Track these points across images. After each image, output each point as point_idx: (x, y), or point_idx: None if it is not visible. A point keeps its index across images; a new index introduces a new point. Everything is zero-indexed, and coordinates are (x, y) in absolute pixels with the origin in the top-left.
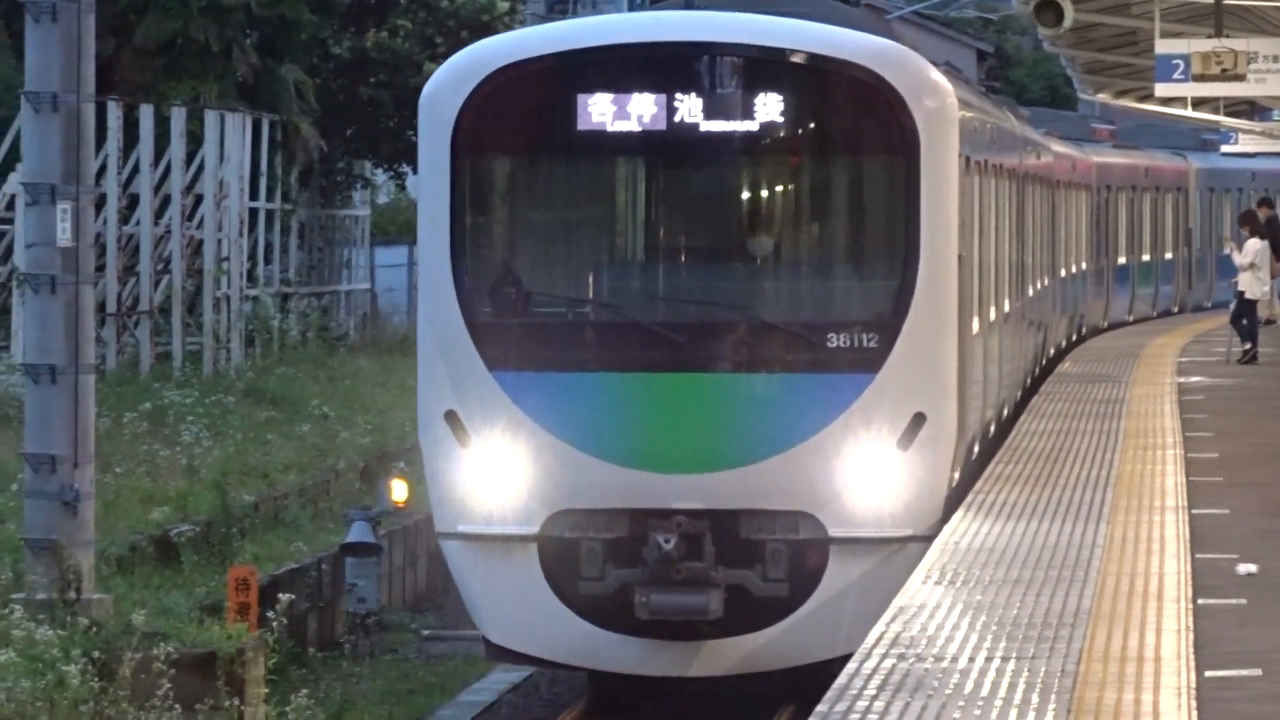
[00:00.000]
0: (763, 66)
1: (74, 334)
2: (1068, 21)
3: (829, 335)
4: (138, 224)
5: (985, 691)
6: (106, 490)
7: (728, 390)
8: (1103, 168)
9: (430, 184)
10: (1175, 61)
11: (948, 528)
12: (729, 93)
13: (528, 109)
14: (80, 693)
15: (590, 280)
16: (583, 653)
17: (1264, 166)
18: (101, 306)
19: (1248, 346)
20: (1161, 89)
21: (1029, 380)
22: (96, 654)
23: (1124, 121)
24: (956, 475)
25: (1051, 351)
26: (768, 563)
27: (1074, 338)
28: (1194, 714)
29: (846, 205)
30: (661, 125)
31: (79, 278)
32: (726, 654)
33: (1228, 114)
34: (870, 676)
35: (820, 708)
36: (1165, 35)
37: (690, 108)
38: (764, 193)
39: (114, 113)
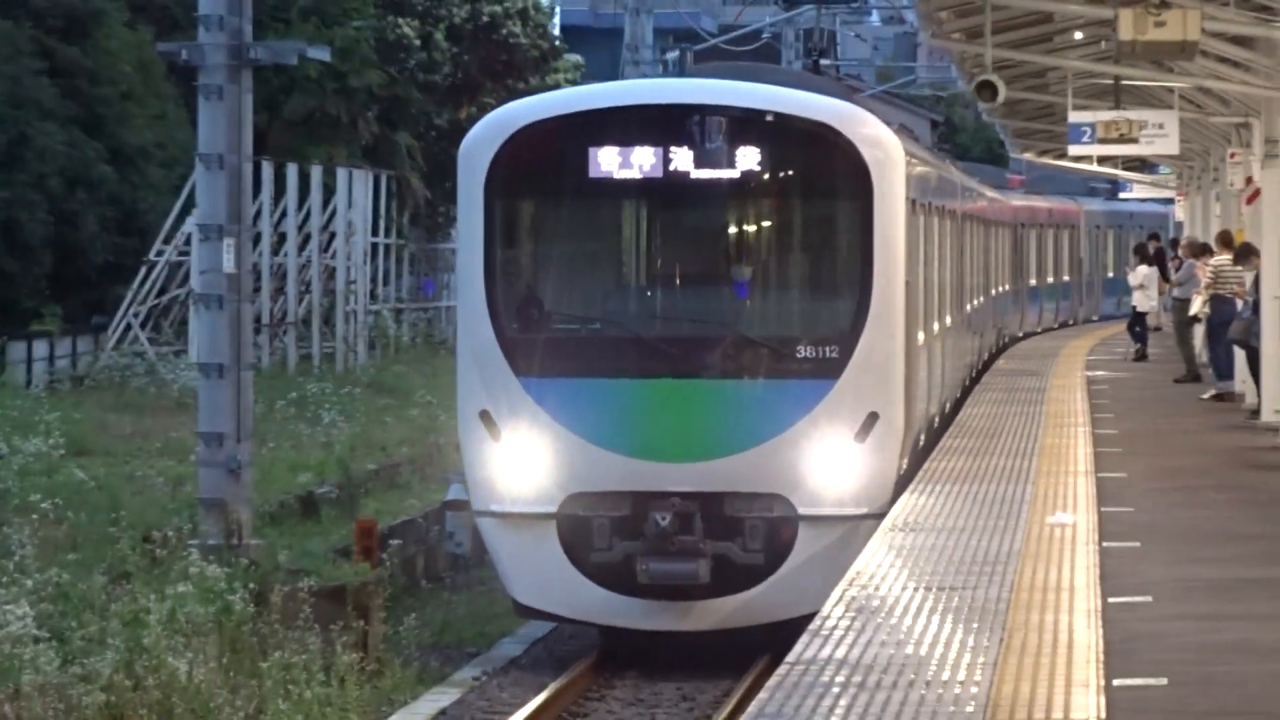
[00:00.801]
0: (742, 124)
1: (236, 341)
2: (1001, 97)
3: (797, 348)
4: (285, 255)
5: (934, 620)
6: (262, 460)
7: (714, 393)
8: (1018, 209)
9: (467, 222)
10: (1083, 128)
11: (897, 506)
12: (714, 146)
13: (548, 160)
14: (241, 616)
15: (600, 302)
16: (594, 611)
17: (1138, 209)
18: (257, 319)
19: (1139, 348)
20: (1073, 149)
21: (972, 374)
22: (253, 586)
23: (1030, 173)
24: (905, 462)
25: (988, 353)
26: (747, 536)
27: (1004, 343)
28: (1100, 630)
29: (811, 239)
30: (659, 173)
31: (239, 297)
32: (714, 612)
33: (1125, 168)
34: (837, 619)
35: (795, 649)
36: (1076, 108)
37: (682, 159)
38: (743, 229)
39: (266, 170)
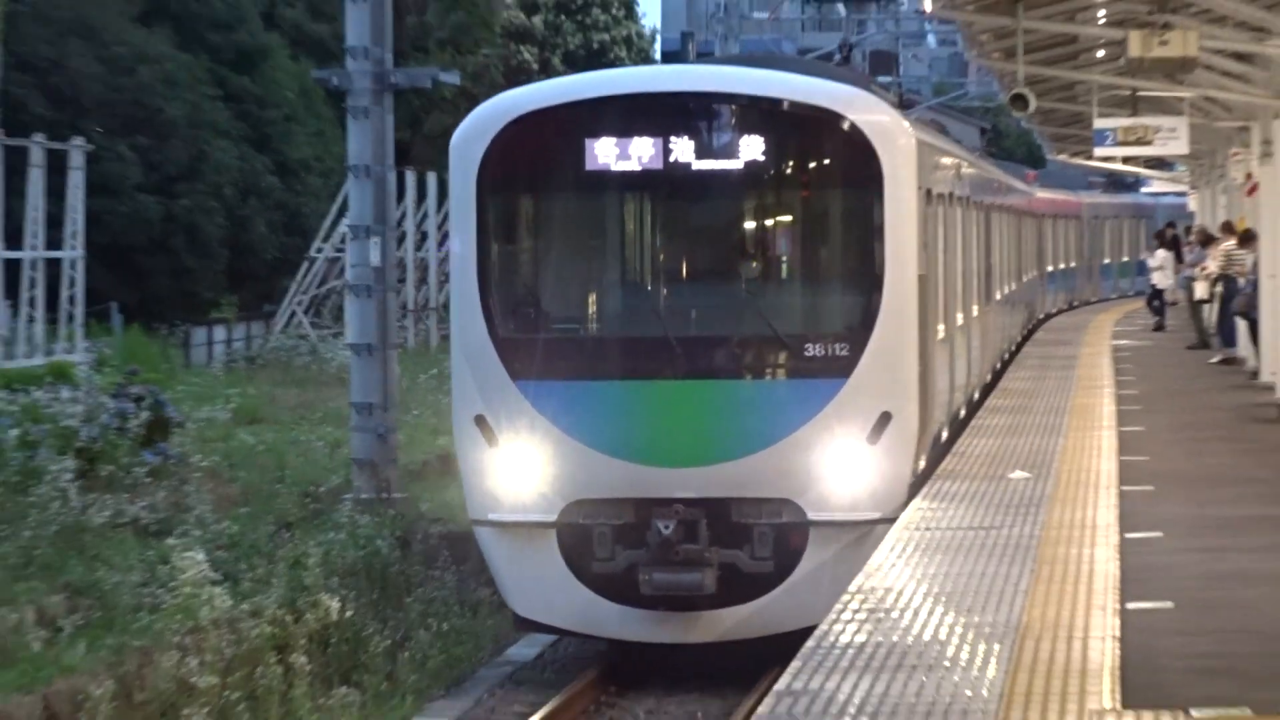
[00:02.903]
0: (746, 112)
1: (382, 324)
2: (1032, 108)
3: (806, 345)
4: (427, 251)
5: (974, 553)
6: (406, 426)
7: (719, 394)
8: (1039, 201)
9: (459, 218)
10: (1107, 133)
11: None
12: (717, 135)
13: (543, 152)
14: (388, 559)
15: (598, 300)
16: (596, 623)
17: (1132, 200)
18: (404, 305)
19: (1158, 320)
20: (1099, 151)
21: (1010, 349)
22: (398, 533)
23: (1039, 169)
24: (922, 463)
25: (1021, 332)
26: (755, 543)
27: (1036, 322)
28: (1117, 561)
29: (820, 232)
30: (659, 165)
31: (385, 287)
32: (720, 623)
33: (1146, 167)
34: (892, 550)
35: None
36: (1100, 115)
37: (683, 149)
38: (747, 222)
39: (410, 179)
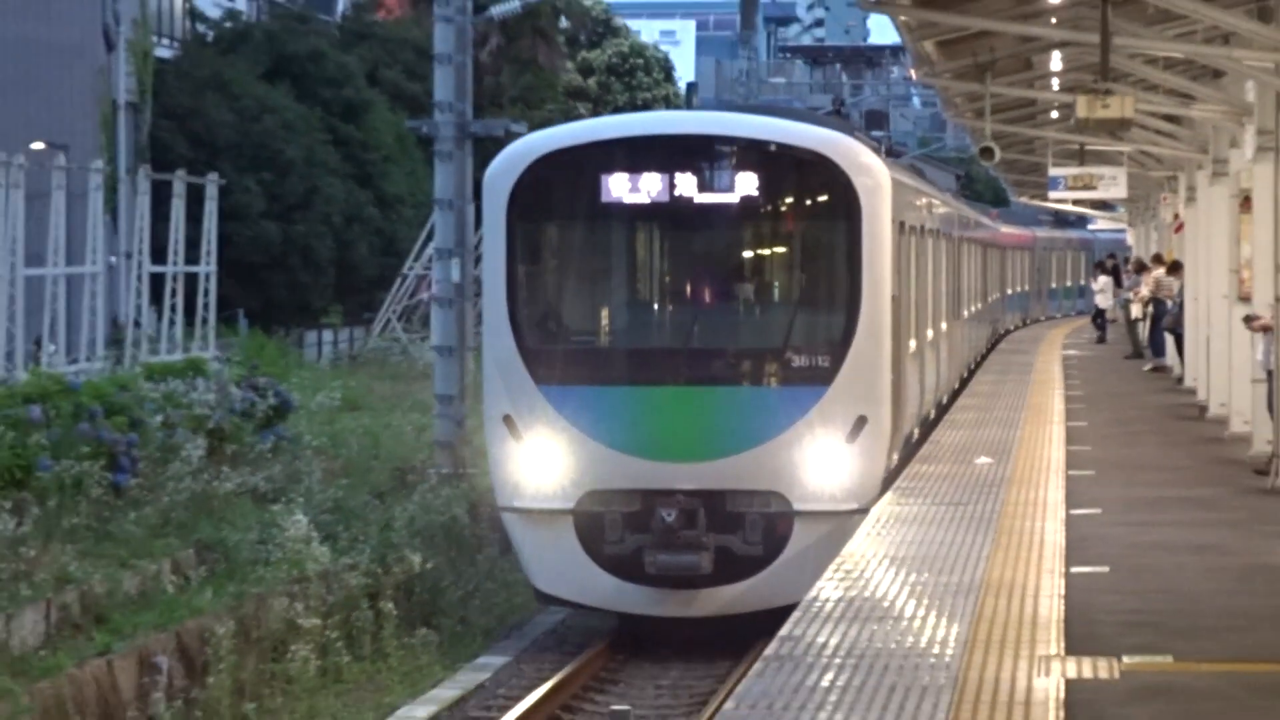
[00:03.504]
0: (742, 153)
1: (461, 330)
2: (997, 158)
3: (792, 357)
4: None
5: (945, 525)
6: (476, 414)
7: (717, 399)
8: (999, 235)
9: (490, 243)
10: (1059, 180)
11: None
12: (717, 173)
13: (564, 186)
14: (461, 523)
15: (611, 316)
16: (608, 598)
17: (1071, 234)
18: (478, 315)
19: (1100, 335)
20: (1053, 194)
21: (978, 358)
22: (470, 502)
23: (999, 207)
24: (894, 460)
25: (986, 345)
26: (747, 529)
27: (998, 336)
28: (1063, 532)
29: (805, 258)
30: (665, 198)
31: (463, 299)
32: (716, 599)
33: (1092, 207)
34: (870, 524)
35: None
36: (1054, 165)
37: (687, 185)
38: (742, 249)
39: None
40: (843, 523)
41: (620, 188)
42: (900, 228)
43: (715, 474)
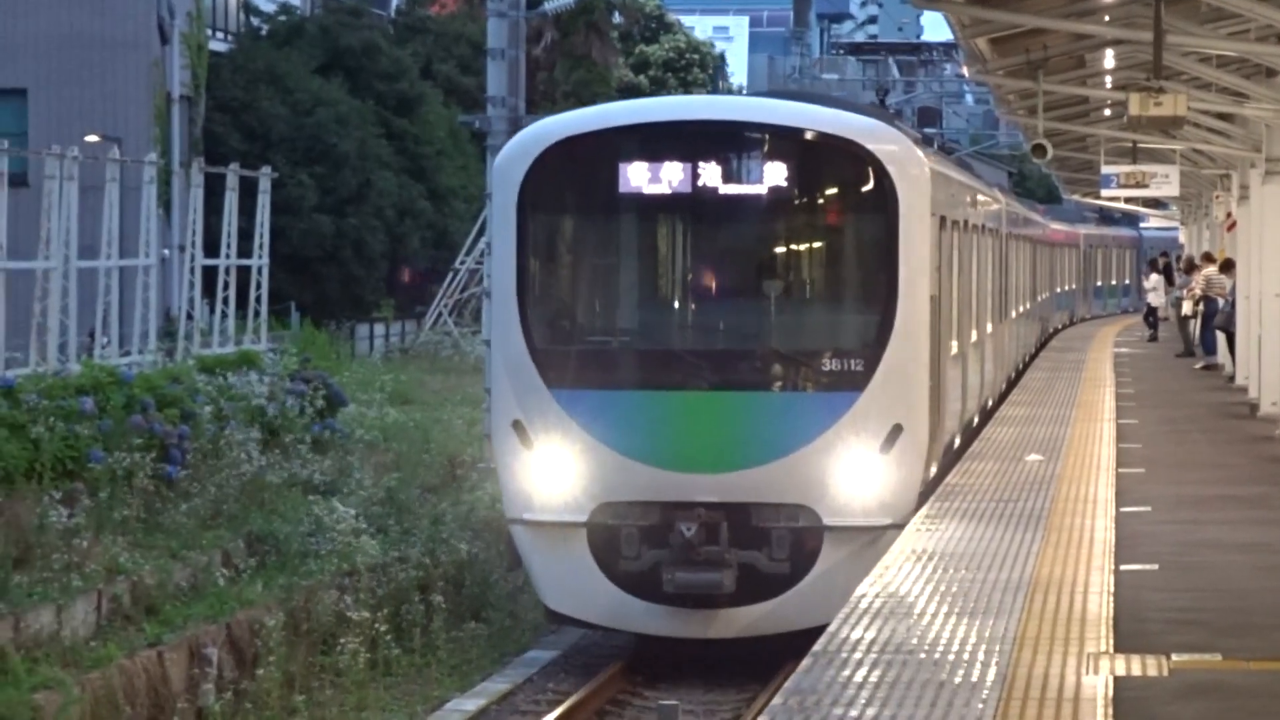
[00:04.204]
0: (769, 141)
1: None
2: (1049, 156)
3: (823, 361)
4: None
5: (994, 522)
6: None
7: (741, 405)
8: (1049, 232)
9: (500, 235)
10: (1111, 178)
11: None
12: (742, 162)
13: (579, 175)
14: None
15: (629, 315)
16: (623, 618)
17: (1120, 233)
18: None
19: (1152, 332)
20: (1105, 192)
21: (1027, 358)
22: None
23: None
24: (932, 471)
25: (1039, 339)
26: (773, 546)
27: (1049, 333)
28: (1113, 530)
29: (837, 254)
30: (687, 189)
31: None
32: (739, 620)
33: (1144, 205)
34: (920, 522)
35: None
36: (1106, 163)
37: (711, 174)
38: (770, 244)
39: None
40: (875, 539)
41: (639, 177)
42: (941, 222)
43: (739, 486)
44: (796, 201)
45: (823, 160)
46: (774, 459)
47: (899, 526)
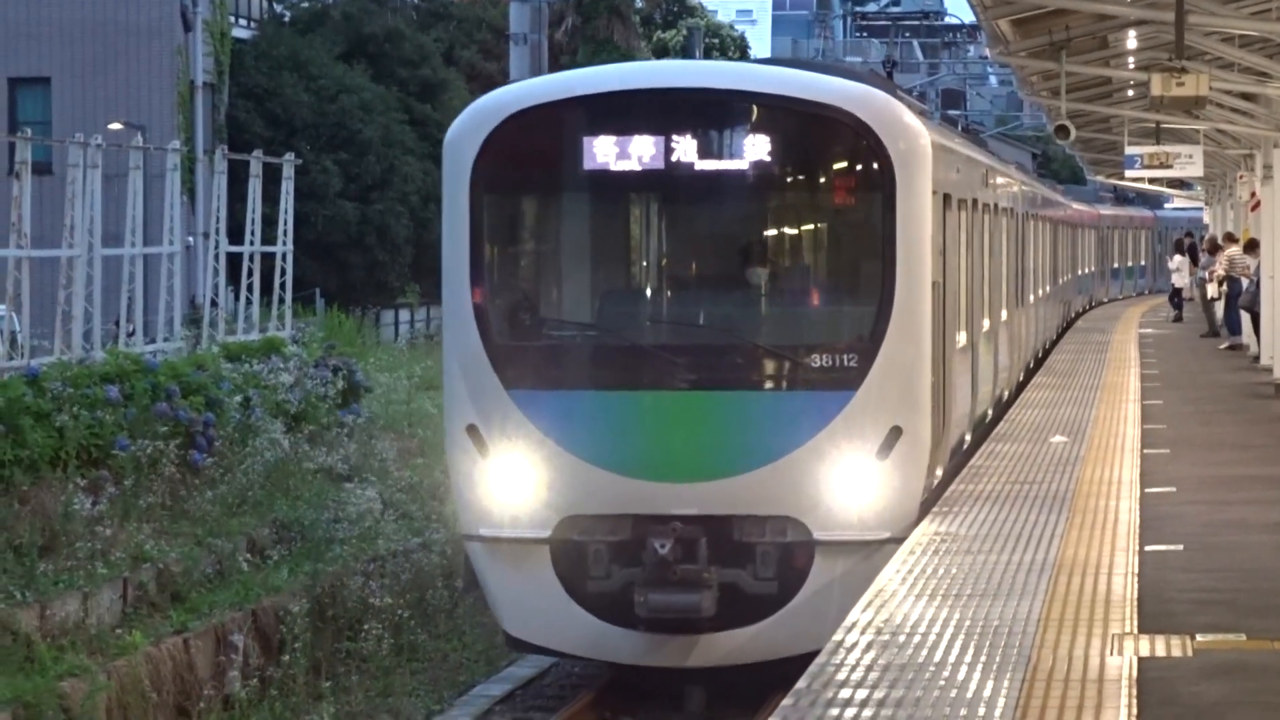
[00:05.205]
0: (751, 110)
1: None
2: (1073, 137)
3: (813, 356)
4: None
5: (1019, 503)
6: None
7: (721, 406)
8: (1071, 213)
9: (452, 219)
10: (1135, 159)
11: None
12: (721, 134)
13: (538, 150)
14: None
15: (596, 307)
16: (591, 645)
17: (1136, 213)
18: None
19: (1176, 314)
20: (1129, 173)
21: (1048, 344)
22: None
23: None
24: (937, 478)
25: (1061, 324)
26: (758, 563)
27: (1071, 314)
28: (1138, 511)
29: (828, 237)
30: (660, 165)
31: None
32: (721, 646)
33: (1169, 186)
34: (950, 500)
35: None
36: (1129, 144)
37: (685, 148)
38: (752, 226)
39: None
40: (872, 554)
41: (606, 152)
42: (946, 201)
43: (719, 496)
44: (781, 177)
45: (809, 131)
46: (758, 466)
47: (898, 540)
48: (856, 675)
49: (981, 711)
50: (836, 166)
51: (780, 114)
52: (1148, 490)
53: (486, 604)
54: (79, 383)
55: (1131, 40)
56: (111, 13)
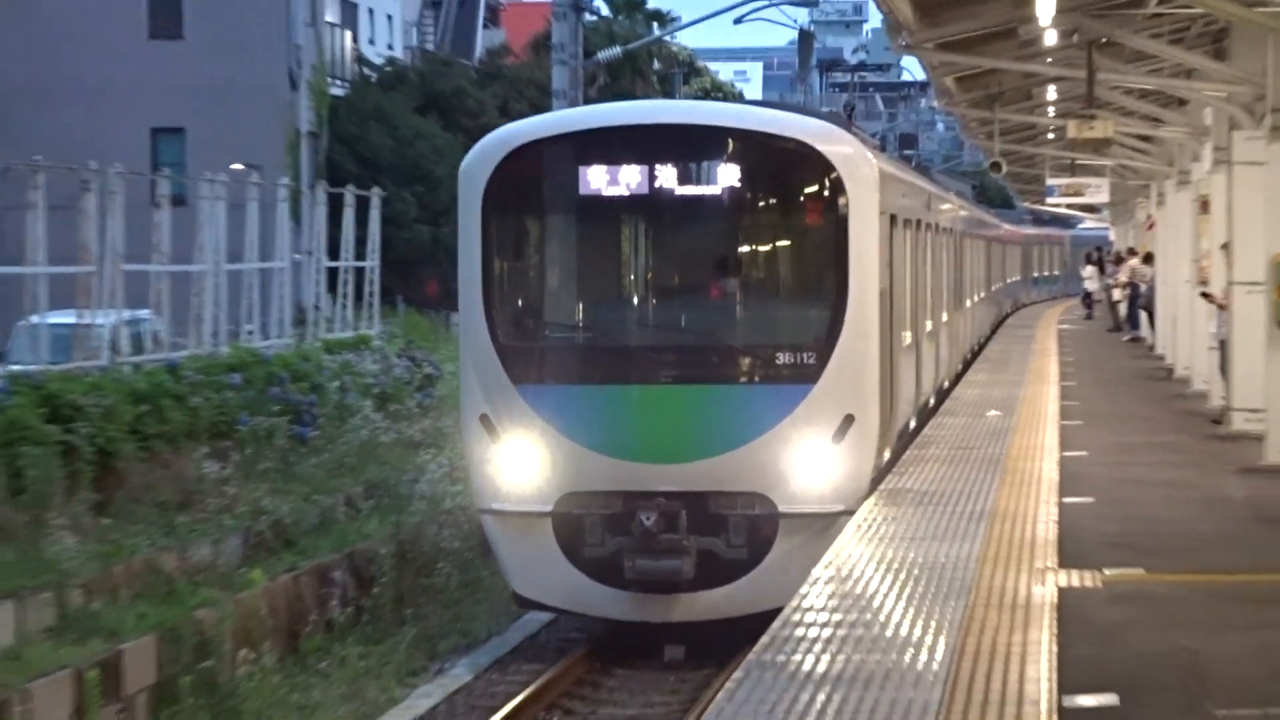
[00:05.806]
0: (724, 143)
1: None
2: (1004, 171)
3: (777, 354)
4: None
5: (959, 464)
6: None
7: (699, 398)
8: (1001, 231)
9: (466, 237)
10: (1054, 188)
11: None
12: (698, 164)
13: (540, 178)
14: None
15: (590, 313)
16: (588, 603)
17: (1054, 232)
18: None
19: (1087, 313)
20: (1049, 199)
21: (982, 340)
22: None
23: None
24: (886, 458)
25: (994, 322)
26: (730, 532)
27: (1002, 314)
28: (1058, 470)
29: (790, 252)
30: (645, 190)
31: None
32: (699, 604)
33: (1081, 210)
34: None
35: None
36: (1050, 175)
37: (668, 176)
38: (725, 243)
39: None
40: (828, 525)
41: (598, 179)
42: (893, 220)
43: (697, 475)
44: (750, 201)
45: (775, 161)
46: (730, 449)
47: (850, 512)
48: (821, 614)
49: (932, 629)
50: (798, 191)
51: (749, 146)
52: (1065, 454)
53: (498, 567)
54: (209, 371)
55: (1052, 93)
56: (234, 75)
